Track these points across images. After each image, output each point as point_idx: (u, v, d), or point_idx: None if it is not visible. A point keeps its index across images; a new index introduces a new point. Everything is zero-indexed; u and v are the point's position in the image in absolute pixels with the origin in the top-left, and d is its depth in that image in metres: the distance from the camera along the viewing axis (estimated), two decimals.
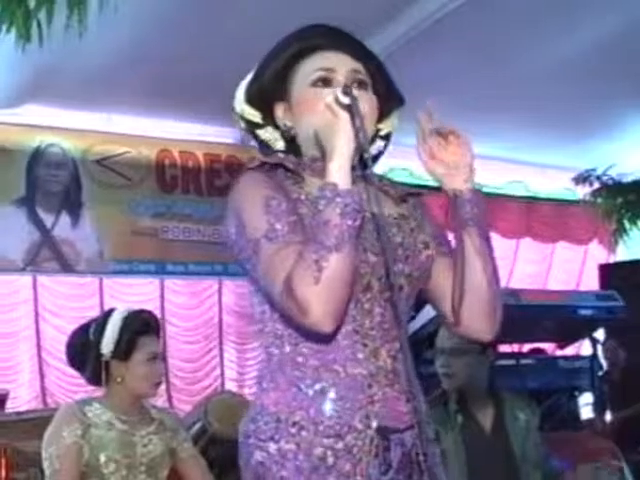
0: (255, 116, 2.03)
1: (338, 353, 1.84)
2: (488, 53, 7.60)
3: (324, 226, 1.72)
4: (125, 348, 3.26)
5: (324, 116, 1.82)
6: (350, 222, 1.73)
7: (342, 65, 1.95)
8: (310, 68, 1.95)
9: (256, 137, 2.07)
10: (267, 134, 2.05)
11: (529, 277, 11.19)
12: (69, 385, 8.33)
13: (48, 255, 8.43)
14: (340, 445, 1.80)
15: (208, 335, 9.47)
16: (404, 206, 2.04)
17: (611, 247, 10.87)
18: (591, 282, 10.81)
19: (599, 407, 6.53)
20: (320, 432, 1.80)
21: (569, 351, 7.41)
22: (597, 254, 11.62)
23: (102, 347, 3.25)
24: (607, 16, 7.22)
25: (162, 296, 9.16)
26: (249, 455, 1.86)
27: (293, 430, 1.81)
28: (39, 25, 4.74)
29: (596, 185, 9.96)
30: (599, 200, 10.01)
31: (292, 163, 1.95)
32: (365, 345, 1.86)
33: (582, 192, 10.25)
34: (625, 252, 10.54)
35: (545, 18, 7.09)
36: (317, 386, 1.83)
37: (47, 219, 8.45)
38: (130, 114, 8.49)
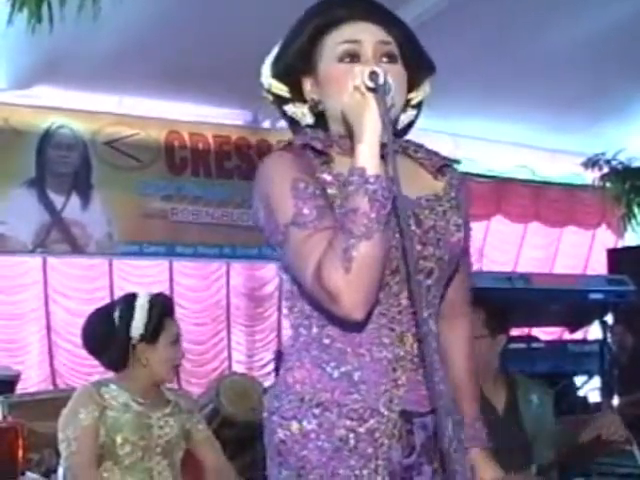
0: (283, 90, 1.98)
1: (364, 336, 1.82)
2: (499, 38, 7.60)
3: (352, 214, 1.69)
4: (153, 331, 3.28)
5: (352, 96, 1.78)
6: (379, 209, 1.70)
7: (369, 37, 1.87)
8: (336, 41, 1.89)
9: (284, 112, 2.01)
10: (295, 109, 1.99)
11: (536, 261, 11.18)
12: (79, 366, 8.37)
13: (58, 237, 8.44)
14: (362, 428, 1.80)
15: (216, 317, 9.50)
16: (441, 180, 1.99)
17: (619, 232, 10.84)
18: (598, 267, 10.80)
19: (608, 391, 6.54)
20: (343, 414, 1.80)
21: (577, 335, 7.44)
22: (605, 239, 11.59)
23: (132, 330, 3.26)
24: (617, 1, 7.21)
25: (171, 278, 9.18)
26: (272, 432, 1.86)
27: (316, 411, 1.81)
28: (50, 7, 4.74)
29: (605, 169, 9.93)
30: (608, 184, 9.99)
31: (320, 142, 1.90)
32: (392, 329, 1.84)
33: (591, 177, 10.22)
34: (633, 237, 10.52)
35: (556, 3, 7.09)
36: (342, 369, 1.82)
37: (57, 201, 8.45)
38: (140, 96, 8.49)
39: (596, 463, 4.68)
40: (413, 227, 1.85)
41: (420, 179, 1.94)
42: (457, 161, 2.06)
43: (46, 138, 8.42)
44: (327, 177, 1.86)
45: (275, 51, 1.99)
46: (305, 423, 1.81)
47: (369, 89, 1.75)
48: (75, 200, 8.55)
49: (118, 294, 7.97)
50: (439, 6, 7.07)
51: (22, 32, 4.99)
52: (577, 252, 11.73)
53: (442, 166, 2.00)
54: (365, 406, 1.81)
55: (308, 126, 1.98)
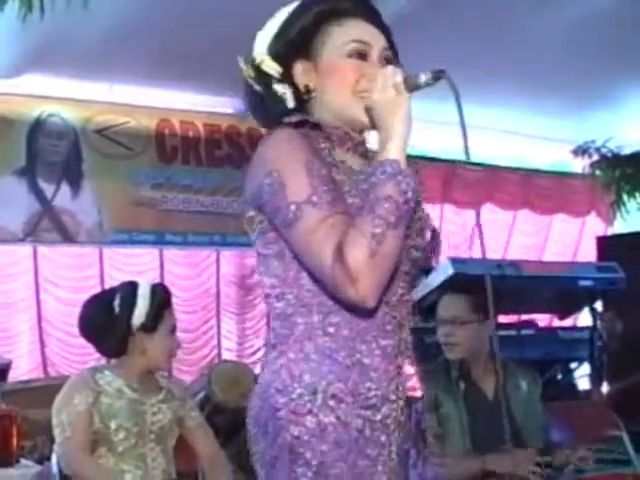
0: (274, 69, 1.96)
1: (370, 323, 1.82)
2: (486, 25, 7.59)
3: (384, 201, 1.71)
4: (153, 320, 3.31)
5: (386, 93, 1.81)
6: (408, 203, 1.74)
7: (376, 41, 1.95)
8: (344, 37, 1.93)
9: (269, 91, 1.97)
10: (283, 89, 1.96)
11: (525, 248, 11.21)
12: (69, 355, 8.39)
13: (48, 225, 8.43)
14: (378, 417, 1.81)
15: (206, 305, 9.50)
16: None
17: (609, 219, 10.88)
18: (588, 254, 10.83)
19: (597, 378, 6.58)
20: (359, 404, 1.79)
21: (567, 322, 7.47)
22: (594, 226, 11.63)
23: (133, 319, 3.28)
24: None
25: (161, 266, 9.18)
26: (280, 429, 1.79)
27: (332, 403, 1.77)
28: None
29: (595, 157, 9.96)
30: (597, 172, 10.02)
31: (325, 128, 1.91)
32: (394, 317, 1.86)
33: (581, 164, 10.25)
34: (622, 224, 10.55)
35: None
36: (354, 357, 1.80)
37: (47, 189, 8.43)
38: (131, 84, 8.47)
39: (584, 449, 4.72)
40: None
41: None
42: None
43: (36, 127, 8.39)
44: (332, 161, 1.86)
45: (270, 27, 1.98)
46: (322, 416, 1.77)
47: (409, 87, 1.81)
48: (65, 189, 8.52)
49: (108, 282, 8.05)
50: None
51: (11, 20, 4.99)
52: (567, 239, 11.76)
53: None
54: (379, 394, 1.81)
55: (293, 109, 1.95)
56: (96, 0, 5.01)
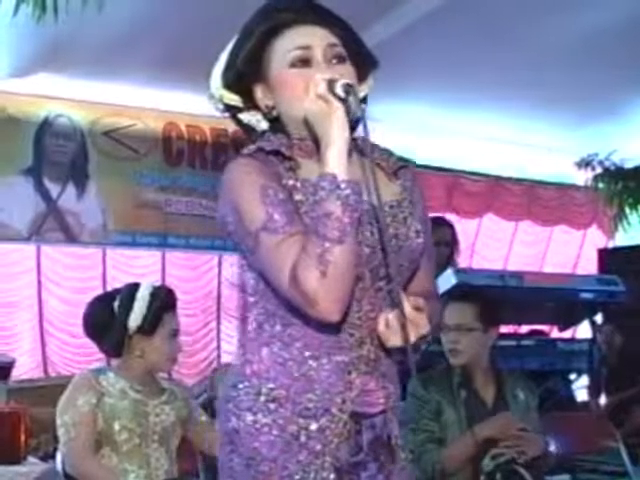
0: (235, 100, 2.00)
1: (324, 339, 1.87)
2: (492, 38, 7.61)
3: (325, 218, 1.74)
4: (151, 324, 3.32)
5: (315, 103, 1.83)
6: (351, 214, 1.76)
7: (318, 40, 1.92)
8: (285, 47, 1.92)
9: (239, 121, 2.04)
10: (249, 116, 2.01)
11: (526, 259, 11.23)
12: (70, 355, 8.42)
13: (53, 225, 8.45)
14: (314, 426, 1.86)
15: (206, 308, 9.52)
16: (397, 183, 2.03)
17: (610, 232, 10.90)
18: (588, 266, 10.86)
19: (596, 390, 6.60)
20: (297, 412, 1.86)
21: (566, 334, 7.48)
22: (595, 238, 11.66)
23: (129, 321, 3.30)
24: (611, 2, 7.25)
25: (163, 269, 9.21)
26: (226, 419, 1.92)
27: (272, 406, 1.87)
28: None
29: (598, 170, 9.99)
30: (600, 185, 10.04)
31: (284, 146, 1.93)
32: (351, 335, 1.89)
33: (583, 177, 10.28)
34: (623, 237, 10.57)
35: (550, 2, 7.12)
36: (301, 369, 1.87)
37: (53, 189, 8.45)
38: (138, 86, 8.49)
39: (581, 460, 4.75)
40: (376, 235, 1.89)
41: (379, 182, 1.91)
42: (412, 161, 2.10)
43: (44, 127, 8.42)
44: (293, 183, 1.88)
45: (222, 60, 2.00)
46: (260, 416, 1.87)
47: (339, 99, 1.81)
48: (71, 189, 8.54)
49: (111, 284, 8.08)
50: (432, 5, 7.09)
51: (22, 21, 5.02)
52: (567, 251, 11.78)
53: (398, 168, 2.05)
54: (318, 406, 1.87)
55: (265, 132, 2.00)
56: (106, 3, 5.02)
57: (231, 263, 9.57)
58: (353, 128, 1.93)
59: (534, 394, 3.92)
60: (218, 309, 9.59)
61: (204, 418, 3.53)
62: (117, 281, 7.87)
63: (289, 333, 1.88)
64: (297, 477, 1.85)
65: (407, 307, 1.80)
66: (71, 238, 8.57)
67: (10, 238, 8.24)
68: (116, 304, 3.34)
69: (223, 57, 2.00)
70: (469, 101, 8.85)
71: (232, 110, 2.02)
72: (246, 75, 1.96)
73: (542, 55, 7.91)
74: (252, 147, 1.92)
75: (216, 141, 9.35)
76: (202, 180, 9.22)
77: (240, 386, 1.90)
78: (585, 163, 9.98)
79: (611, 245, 11.08)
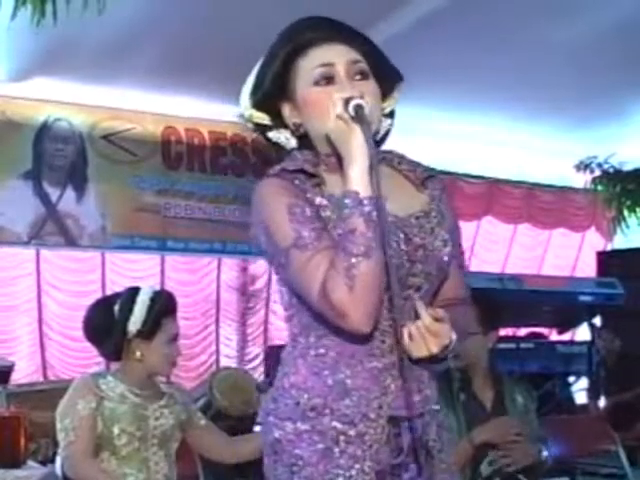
0: (263, 119, 2.05)
1: (358, 348, 1.92)
2: (491, 42, 7.62)
3: (350, 234, 1.80)
4: (151, 328, 3.31)
5: (336, 123, 1.87)
6: (375, 229, 1.80)
7: (340, 57, 1.95)
8: (309, 65, 1.96)
9: (268, 139, 2.08)
10: (278, 134, 2.06)
11: (524, 261, 11.24)
12: (69, 359, 8.43)
13: (52, 229, 8.46)
14: (353, 432, 1.91)
15: (205, 312, 9.54)
16: (424, 192, 2.06)
17: (609, 235, 10.91)
18: (586, 268, 10.86)
19: (595, 392, 6.60)
20: (335, 418, 1.91)
21: (564, 336, 7.49)
22: (593, 241, 11.67)
23: (129, 325, 3.30)
24: (611, 5, 7.26)
25: (162, 272, 9.22)
26: (268, 431, 1.98)
27: (310, 414, 1.93)
28: (54, 2, 4.78)
29: (597, 172, 10.01)
30: (599, 187, 10.06)
31: (310, 163, 1.98)
32: (383, 341, 1.94)
33: (582, 179, 10.29)
34: (622, 240, 10.58)
35: (552, 5, 7.13)
36: (336, 377, 1.93)
37: (52, 193, 8.47)
38: (137, 90, 8.50)
39: (580, 463, 4.75)
40: (403, 246, 1.93)
41: (406, 193, 2.02)
42: (439, 172, 2.13)
43: (43, 131, 8.44)
44: (320, 200, 1.94)
45: (250, 81, 2.05)
46: (299, 424, 1.93)
47: (352, 118, 1.84)
48: (70, 193, 8.57)
49: (110, 287, 8.09)
50: (430, 8, 7.09)
51: (21, 25, 5.03)
52: (566, 254, 11.79)
53: (426, 178, 2.08)
54: (356, 411, 1.91)
55: (294, 149, 2.04)
56: (106, 7, 5.03)
57: (230, 267, 9.62)
58: (380, 141, 2.01)
59: (533, 397, 3.92)
60: (217, 312, 9.61)
61: (203, 422, 3.53)
62: (116, 284, 7.89)
63: (323, 343, 1.94)
64: None
65: (426, 318, 1.83)
66: (70, 242, 8.58)
67: (9, 242, 8.26)
68: (116, 308, 3.34)
69: (250, 78, 2.05)
70: (467, 103, 8.87)
71: (262, 128, 2.07)
72: (273, 95, 2.01)
73: (541, 58, 7.92)
74: (277, 167, 1.97)
75: (215, 145, 9.37)
76: (201, 183, 9.25)
77: (279, 398, 1.97)
78: (584, 166, 10.00)
79: (610, 248, 11.08)
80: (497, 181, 10.92)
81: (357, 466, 1.90)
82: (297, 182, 1.95)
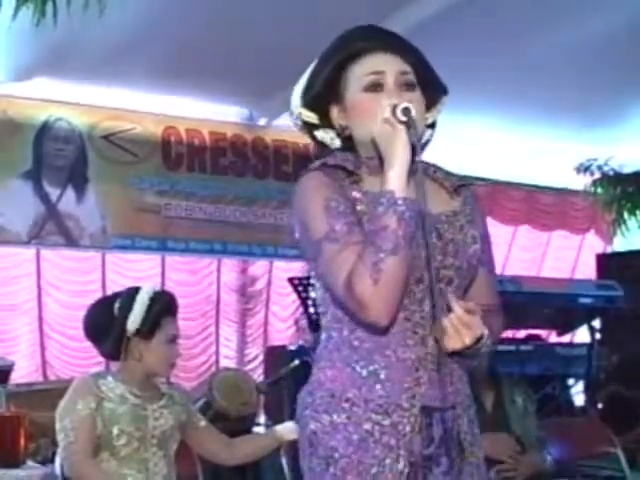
0: (312, 118, 2.17)
1: (390, 339, 2.01)
2: (494, 44, 7.61)
3: (382, 231, 1.91)
4: (150, 327, 3.32)
5: (382, 127, 1.98)
6: (406, 228, 1.90)
7: (390, 67, 2.07)
8: (360, 72, 2.08)
9: (314, 137, 2.20)
10: (324, 134, 2.18)
11: (524, 264, 11.23)
12: (69, 358, 8.42)
13: (52, 229, 8.45)
14: (387, 422, 1.99)
15: (205, 312, 9.52)
16: (457, 199, 2.18)
17: (609, 237, 10.90)
18: (586, 270, 10.85)
19: (593, 394, 6.60)
20: (370, 409, 2.00)
21: (564, 338, 7.49)
22: (593, 243, 11.66)
23: (128, 324, 3.30)
24: (612, 8, 7.26)
25: (163, 272, 9.21)
26: (305, 425, 2.08)
27: (345, 405, 2.01)
28: (54, 2, 4.78)
29: (597, 175, 10.00)
30: (599, 190, 10.06)
31: (350, 162, 2.10)
32: (415, 332, 2.02)
33: (582, 182, 10.28)
34: (621, 242, 10.57)
35: (552, 8, 7.12)
36: (370, 368, 2.01)
37: (53, 193, 8.45)
38: (138, 91, 8.50)
39: (580, 465, 4.76)
40: (434, 240, 2.03)
41: (440, 197, 2.14)
42: (471, 182, 2.25)
43: (43, 130, 8.42)
44: (356, 194, 2.05)
45: (303, 82, 2.17)
46: (335, 416, 2.02)
47: (400, 122, 1.94)
48: (70, 193, 8.54)
49: (110, 287, 8.09)
50: (437, 10, 7.10)
51: (22, 25, 5.03)
52: (566, 256, 11.78)
53: (459, 186, 2.19)
54: (389, 402, 1.99)
55: (337, 149, 2.15)
56: (107, 7, 5.04)
57: (230, 268, 9.62)
58: (420, 150, 2.07)
59: (532, 399, 3.94)
60: (217, 313, 9.59)
61: (203, 423, 3.54)
62: (116, 285, 7.88)
63: (356, 336, 2.03)
64: (373, 471, 1.98)
65: (459, 310, 1.89)
66: (71, 242, 8.57)
67: (10, 242, 8.25)
68: (116, 306, 3.35)
69: (302, 79, 2.19)
70: (467, 105, 8.85)
71: (309, 127, 2.20)
72: (323, 97, 2.14)
73: (542, 60, 7.93)
74: (317, 162, 2.11)
75: (215, 145, 9.34)
76: (201, 184, 9.24)
77: (315, 392, 2.07)
78: (584, 168, 9.99)
79: (609, 250, 11.07)
80: (497, 183, 10.90)
81: (392, 455, 1.97)
82: (336, 177, 2.06)
